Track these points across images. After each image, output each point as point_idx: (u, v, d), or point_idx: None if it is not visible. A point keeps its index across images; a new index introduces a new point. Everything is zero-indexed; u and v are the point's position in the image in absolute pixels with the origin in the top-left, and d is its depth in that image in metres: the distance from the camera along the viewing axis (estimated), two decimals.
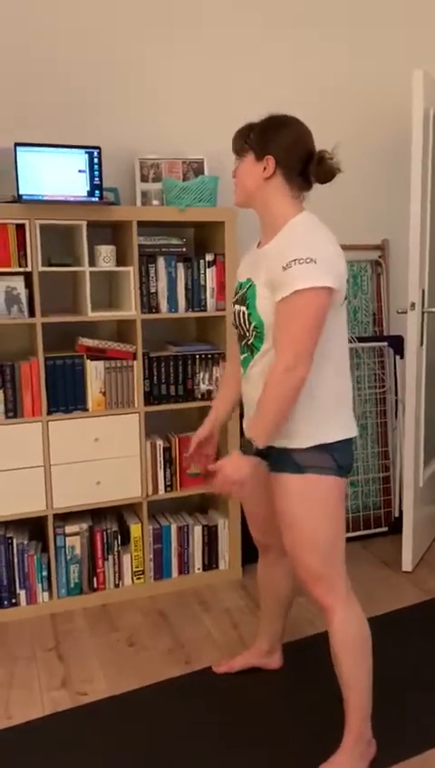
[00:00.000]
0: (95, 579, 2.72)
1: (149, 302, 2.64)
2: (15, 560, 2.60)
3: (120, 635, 2.50)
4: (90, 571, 2.71)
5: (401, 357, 3.31)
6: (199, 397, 2.77)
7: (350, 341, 3.18)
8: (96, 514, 2.81)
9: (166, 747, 1.91)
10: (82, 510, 2.69)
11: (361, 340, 3.26)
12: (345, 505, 1.80)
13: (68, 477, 2.60)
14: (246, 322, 1.74)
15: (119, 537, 2.73)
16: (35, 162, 2.39)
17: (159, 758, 1.87)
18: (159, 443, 2.74)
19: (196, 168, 2.80)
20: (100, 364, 2.60)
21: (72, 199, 2.45)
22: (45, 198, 2.41)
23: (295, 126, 1.71)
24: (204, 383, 2.77)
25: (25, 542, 2.63)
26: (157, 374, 2.70)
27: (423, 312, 2.85)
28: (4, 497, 2.53)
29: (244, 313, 1.75)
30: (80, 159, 2.45)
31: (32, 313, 2.50)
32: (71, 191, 2.45)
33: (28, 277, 2.49)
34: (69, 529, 2.66)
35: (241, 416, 1.96)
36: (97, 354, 2.61)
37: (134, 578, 2.77)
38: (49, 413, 2.55)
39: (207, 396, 2.78)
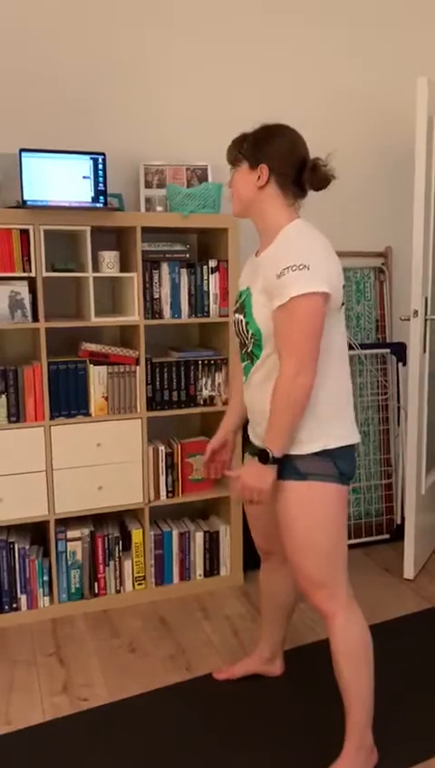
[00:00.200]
0: (96, 584, 2.71)
1: (152, 308, 2.64)
2: (17, 564, 2.60)
3: (120, 641, 2.50)
4: (91, 576, 2.70)
5: (404, 364, 3.31)
6: (202, 402, 2.77)
7: (352, 348, 3.18)
8: (97, 520, 2.81)
9: (166, 754, 1.91)
10: (84, 515, 2.69)
11: (363, 346, 3.26)
12: (347, 512, 1.79)
13: (70, 482, 2.60)
14: (245, 331, 1.75)
15: (120, 543, 2.73)
16: (40, 168, 2.40)
17: (159, 765, 1.87)
18: (162, 448, 2.74)
19: (200, 175, 2.81)
20: (102, 369, 2.61)
21: (76, 205, 2.46)
22: (50, 204, 2.42)
23: (288, 134, 1.73)
24: (206, 389, 2.77)
25: (27, 547, 2.63)
26: (159, 379, 2.70)
27: (426, 320, 2.85)
28: (6, 502, 2.53)
29: (242, 322, 1.76)
30: (84, 165, 2.46)
31: (35, 318, 2.50)
32: (75, 197, 2.46)
33: (32, 282, 2.49)
34: (70, 534, 2.65)
35: (246, 421, 1.96)
36: (100, 359, 2.61)
37: (135, 584, 2.77)
38: (52, 418, 2.55)
39: (210, 402, 2.78)
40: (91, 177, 2.47)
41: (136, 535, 2.74)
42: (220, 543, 2.87)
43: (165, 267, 2.64)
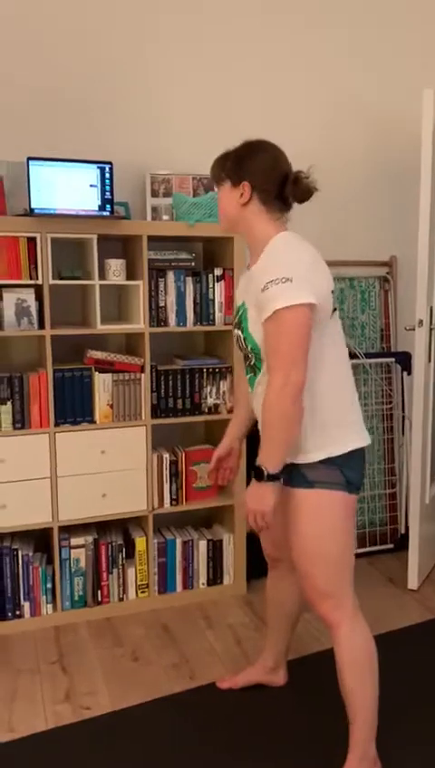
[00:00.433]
0: (99, 592, 2.71)
1: (157, 316, 2.65)
2: (20, 571, 2.60)
3: (123, 649, 2.49)
4: (94, 583, 2.70)
5: (409, 373, 3.31)
6: (206, 410, 2.78)
7: (357, 357, 3.19)
8: (101, 527, 2.81)
9: (168, 763, 1.90)
10: (88, 522, 2.69)
11: (368, 355, 3.26)
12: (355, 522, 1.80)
13: (74, 489, 2.60)
14: (245, 346, 1.78)
15: (123, 550, 2.73)
16: (47, 176, 2.41)
17: None
18: (166, 456, 2.74)
19: (206, 184, 2.82)
20: (108, 377, 2.61)
21: (83, 213, 2.47)
22: (57, 212, 2.44)
23: (269, 151, 1.75)
24: (211, 397, 2.77)
25: (30, 554, 2.62)
26: (164, 387, 2.71)
27: (431, 329, 2.86)
28: (10, 508, 2.53)
29: (241, 338, 1.79)
30: (91, 174, 2.47)
31: (41, 325, 2.51)
32: (82, 205, 2.47)
33: (38, 290, 2.50)
34: (74, 541, 2.65)
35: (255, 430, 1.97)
36: (105, 367, 2.62)
37: (138, 591, 2.76)
38: (56, 425, 2.56)
39: (215, 410, 2.78)
40: (99, 185, 2.49)
41: (139, 543, 2.74)
42: (223, 552, 2.87)
43: (171, 275, 2.65)
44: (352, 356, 3.22)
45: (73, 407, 2.58)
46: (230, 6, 2.92)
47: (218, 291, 2.72)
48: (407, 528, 3.32)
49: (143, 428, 2.67)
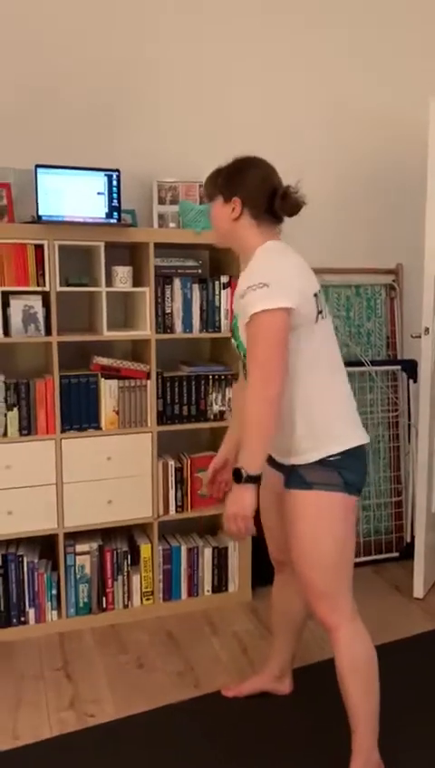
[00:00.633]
0: (104, 598, 2.71)
1: (163, 323, 2.66)
2: (25, 578, 2.60)
3: (128, 656, 2.49)
4: (99, 590, 2.70)
5: (415, 381, 3.30)
6: (212, 417, 2.78)
7: (363, 365, 3.19)
8: (106, 534, 2.81)
9: None
10: (93, 529, 2.69)
11: (374, 363, 3.26)
12: (356, 525, 1.79)
13: (80, 496, 2.60)
14: (239, 353, 1.81)
15: (128, 557, 2.73)
16: (55, 184, 2.43)
17: None
18: (171, 463, 2.74)
19: None
20: (114, 383, 2.62)
21: (90, 221, 2.48)
22: (64, 219, 2.45)
23: (259, 167, 1.79)
24: (217, 404, 2.78)
25: (36, 561, 2.62)
26: (170, 394, 2.71)
27: None
28: (15, 515, 2.53)
29: (235, 346, 1.83)
30: (99, 181, 2.48)
31: (48, 332, 2.52)
32: (89, 212, 2.48)
33: (46, 297, 2.51)
34: (79, 548, 2.65)
35: None
36: (111, 373, 2.62)
37: (143, 598, 2.76)
38: (62, 431, 2.56)
39: (220, 416, 2.78)
40: (106, 193, 2.50)
41: (144, 550, 2.73)
42: (229, 559, 2.86)
43: (177, 282, 2.66)
44: (358, 363, 3.22)
45: (79, 413, 2.58)
46: (231, 7, 2.93)
47: (224, 298, 2.73)
48: (413, 536, 3.31)
49: (149, 435, 2.68)
